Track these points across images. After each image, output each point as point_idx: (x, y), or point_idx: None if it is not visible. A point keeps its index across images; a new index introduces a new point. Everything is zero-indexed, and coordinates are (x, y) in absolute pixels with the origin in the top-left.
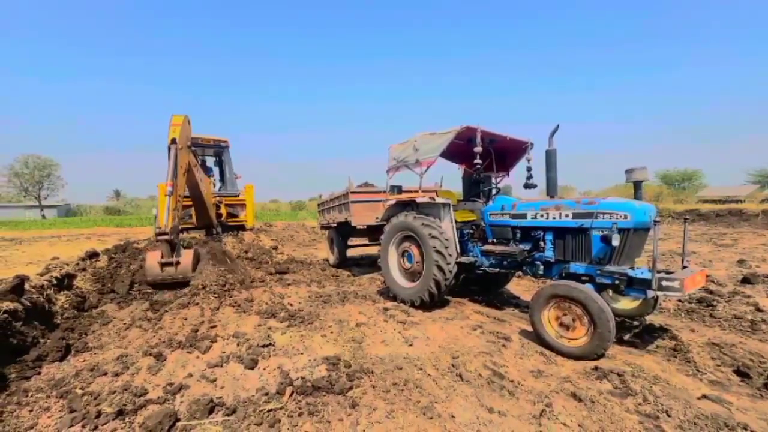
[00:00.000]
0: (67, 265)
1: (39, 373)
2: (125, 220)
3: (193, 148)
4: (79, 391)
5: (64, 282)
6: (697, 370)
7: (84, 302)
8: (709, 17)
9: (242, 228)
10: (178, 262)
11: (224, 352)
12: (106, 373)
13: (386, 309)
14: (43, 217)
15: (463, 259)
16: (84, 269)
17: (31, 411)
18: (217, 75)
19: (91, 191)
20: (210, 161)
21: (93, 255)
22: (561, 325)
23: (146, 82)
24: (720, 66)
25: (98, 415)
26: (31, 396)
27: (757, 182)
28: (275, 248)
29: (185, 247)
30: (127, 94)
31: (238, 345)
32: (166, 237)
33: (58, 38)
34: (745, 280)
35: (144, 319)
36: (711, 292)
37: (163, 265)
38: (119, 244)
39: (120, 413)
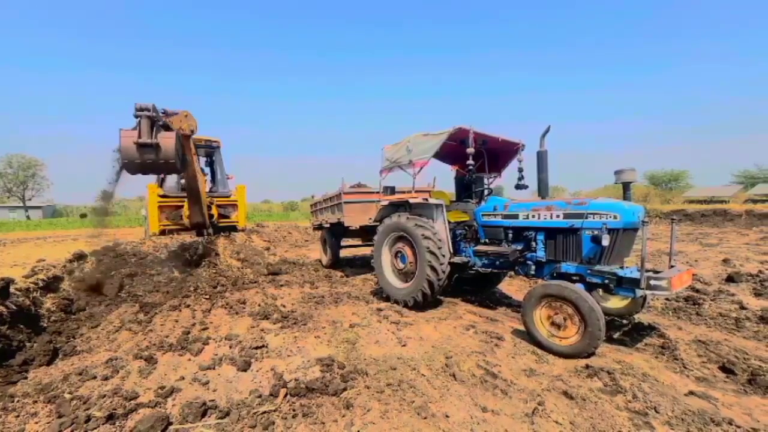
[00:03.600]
0: (54, 266)
1: (26, 378)
2: (113, 221)
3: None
4: (68, 396)
5: (51, 284)
6: (684, 367)
7: (71, 305)
8: (701, 17)
9: (234, 229)
10: (157, 144)
11: (216, 354)
12: (95, 377)
13: (380, 309)
14: (28, 218)
15: (456, 259)
16: (71, 271)
17: (17, 417)
18: (213, 71)
19: (77, 192)
20: (202, 162)
21: (80, 257)
22: (552, 324)
23: (137, 79)
24: (709, 65)
25: (88, 419)
26: (18, 401)
27: (741, 183)
28: (267, 249)
29: (166, 129)
30: (117, 91)
31: (230, 347)
32: (147, 113)
33: (37, 25)
34: (730, 279)
35: (134, 322)
36: (697, 291)
37: (140, 146)
38: (108, 245)
39: (110, 418)
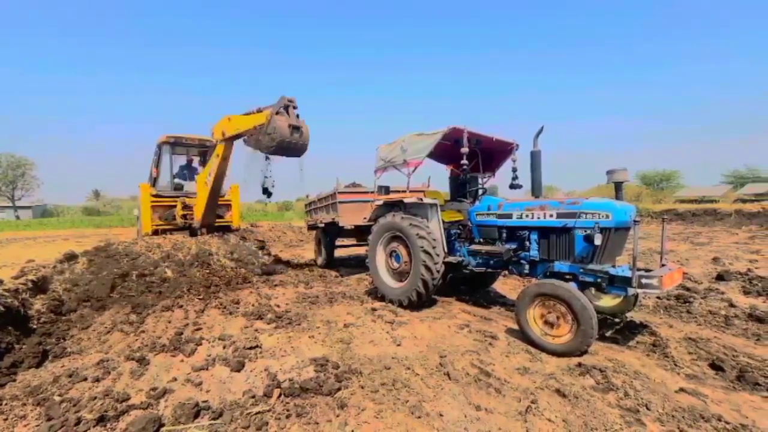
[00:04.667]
0: (44, 267)
1: (14, 380)
2: (105, 221)
3: (178, 147)
4: (58, 398)
5: (41, 285)
6: (675, 365)
7: (62, 306)
8: (696, 17)
9: (228, 229)
10: (301, 128)
11: (210, 355)
12: (86, 379)
13: (374, 309)
14: (17, 218)
15: (451, 258)
16: (62, 272)
17: (5, 420)
18: (206, 70)
19: (68, 191)
20: (196, 161)
21: (71, 257)
22: (546, 323)
23: (126, 78)
24: (704, 65)
25: (78, 422)
26: (6, 404)
27: (731, 183)
28: (262, 249)
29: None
30: (107, 91)
31: (224, 347)
32: (293, 104)
33: (30, 26)
34: (719, 278)
35: (126, 323)
36: (688, 289)
37: (292, 128)
38: (99, 245)
39: (101, 420)
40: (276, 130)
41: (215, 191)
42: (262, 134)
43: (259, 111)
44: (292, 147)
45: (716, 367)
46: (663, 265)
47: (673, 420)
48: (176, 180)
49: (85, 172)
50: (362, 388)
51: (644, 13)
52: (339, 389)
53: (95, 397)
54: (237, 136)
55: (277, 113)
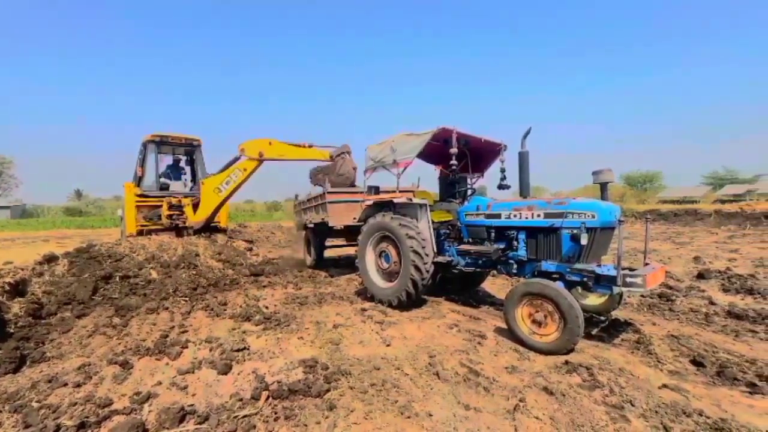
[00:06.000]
0: (22, 269)
1: None
2: (88, 221)
3: (164, 146)
4: (36, 404)
5: (19, 288)
6: (658, 361)
7: (41, 309)
8: (689, 18)
9: (215, 229)
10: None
11: (196, 358)
12: (66, 384)
13: (364, 309)
14: None
15: (440, 258)
16: (41, 274)
17: None
18: (198, 77)
19: (49, 192)
20: (182, 161)
21: (51, 258)
22: (533, 321)
23: (110, 81)
24: (688, 68)
25: (57, 429)
26: None
27: (710, 184)
28: (250, 249)
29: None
30: (91, 93)
31: (210, 350)
32: (351, 151)
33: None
34: (700, 276)
35: (109, 326)
36: (670, 288)
37: (354, 169)
38: (81, 246)
39: (82, 426)
40: (348, 172)
41: (226, 200)
42: (334, 175)
43: (311, 146)
44: (349, 182)
45: (697, 363)
46: (646, 264)
47: (657, 415)
48: (162, 179)
49: (67, 171)
50: (351, 389)
51: (639, 14)
52: (328, 390)
53: (76, 403)
54: (274, 160)
55: (339, 156)
